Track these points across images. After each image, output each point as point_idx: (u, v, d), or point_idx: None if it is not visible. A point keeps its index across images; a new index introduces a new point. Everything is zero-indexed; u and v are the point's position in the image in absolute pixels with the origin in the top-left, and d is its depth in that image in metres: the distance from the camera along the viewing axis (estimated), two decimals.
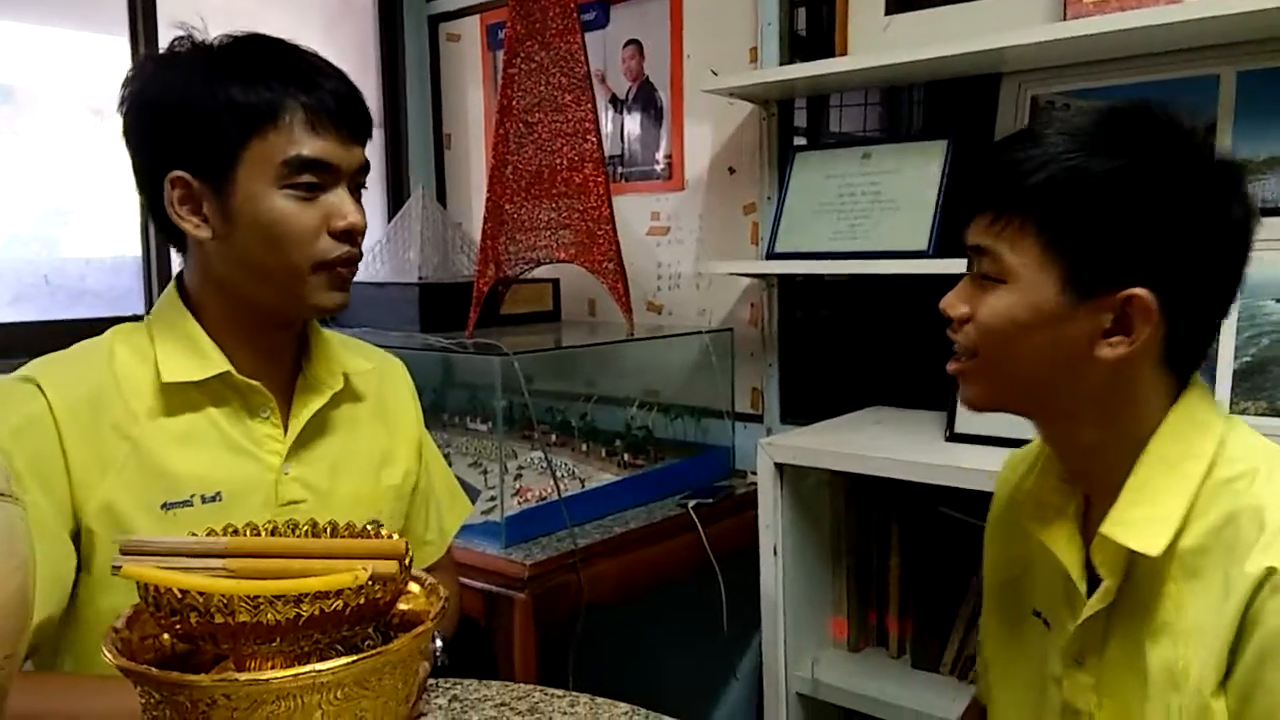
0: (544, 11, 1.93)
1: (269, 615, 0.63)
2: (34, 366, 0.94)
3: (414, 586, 0.78)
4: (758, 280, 1.97)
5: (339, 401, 1.05)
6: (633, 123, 2.17)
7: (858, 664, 1.64)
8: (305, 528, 0.77)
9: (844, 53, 1.74)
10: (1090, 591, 0.81)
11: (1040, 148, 0.76)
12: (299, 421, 1.01)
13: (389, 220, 2.28)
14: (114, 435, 0.93)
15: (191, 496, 0.94)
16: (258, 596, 0.63)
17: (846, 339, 1.89)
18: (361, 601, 0.66)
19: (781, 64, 1.84)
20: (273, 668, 0.66)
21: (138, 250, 2.05)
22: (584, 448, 1.96)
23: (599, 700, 0.97)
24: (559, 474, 1.75)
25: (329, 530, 0.77)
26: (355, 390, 1.08)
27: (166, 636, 0.71)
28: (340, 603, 0.65)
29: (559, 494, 1.65)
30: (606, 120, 2.18)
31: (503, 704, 0.97)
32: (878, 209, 1.70)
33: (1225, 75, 1.44)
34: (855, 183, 1.74)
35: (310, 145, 0.93)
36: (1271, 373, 1.29)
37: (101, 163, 2.02)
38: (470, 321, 1.96)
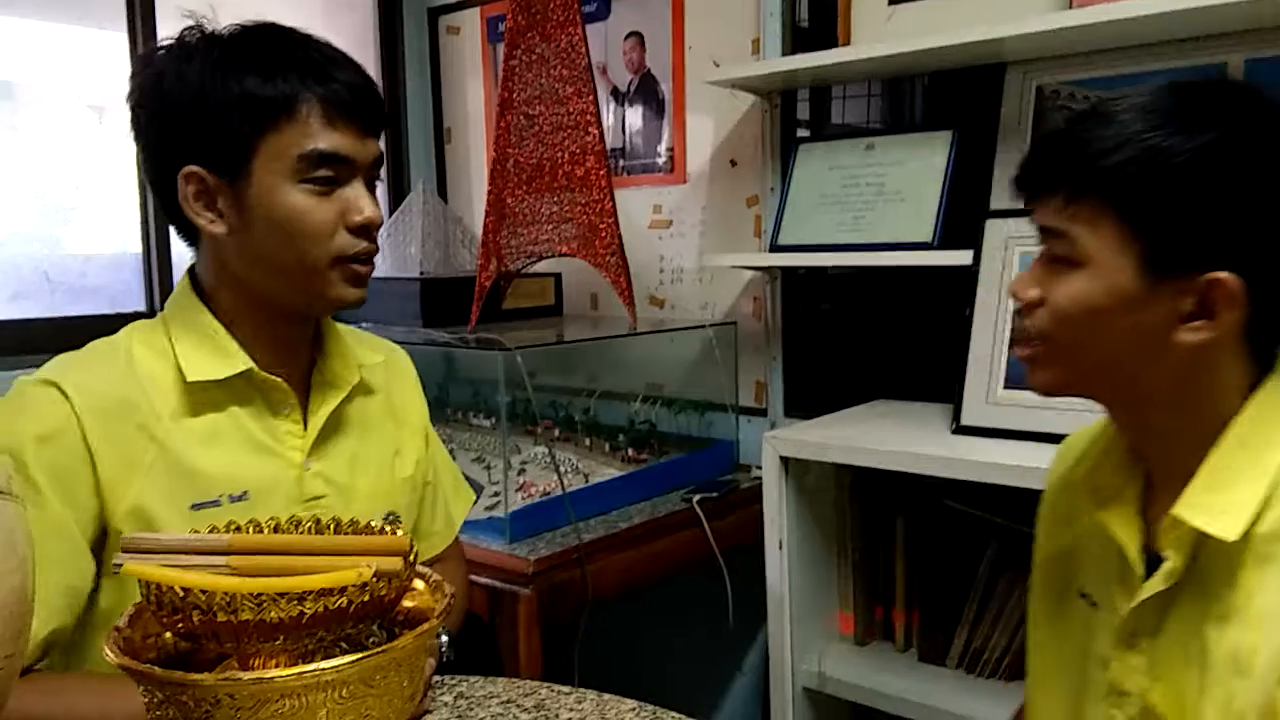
0: (545, 3, 1.92)
1: (272, 613, 0.63)
2: (54, 369, 0.92)
3: (419, 583, 0.77)
4: (761, 273, 1.95)
5: (353, 395, 1.05)
6: (634, 115, 2.16)
7: (864, 658, 1.63)
8: (309, 524, 0.77)
9: (847, 43, 1.72)
10: (1148, 573, 0.79)
11: (1114, 126, 0.73)
12: (319, 418, 1.00)
13: (390, 215, 2.27)
14: (141, 437, 0.91)
15: (220, 496, 0.93)
16: (261, 594, 0.62)
17: (851, 332, 1.88)
18: (365, 599, 0.65)
19: (784, 55, 1.83)
20: (276, 666, 0.65)
21: (138, 246, 2.04)
22: (587, 443, 1.95)
23: (605, 696, 0.96)
24: (563, 469, 1.74)
25: (333, 526, 0.76)
26: (367, 384, 1.07)
27: (169, 635, 0.71)
28: (344, 600, 0.64)
29: (563, 489, 1.64)
30: (608, 113, 2.17)
31: (509, 701, 0.96)
32: (881, 201, 1.69)
33: (1233, 63, 1.43)
34: (859, 174, 1.73)
35: (327, 138, 0.92)
36: None
37: (102, 158, 2.01)
38: (472, 316, 1.95)
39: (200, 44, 0.93)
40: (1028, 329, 0.81)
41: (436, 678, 0.99)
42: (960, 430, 1.47)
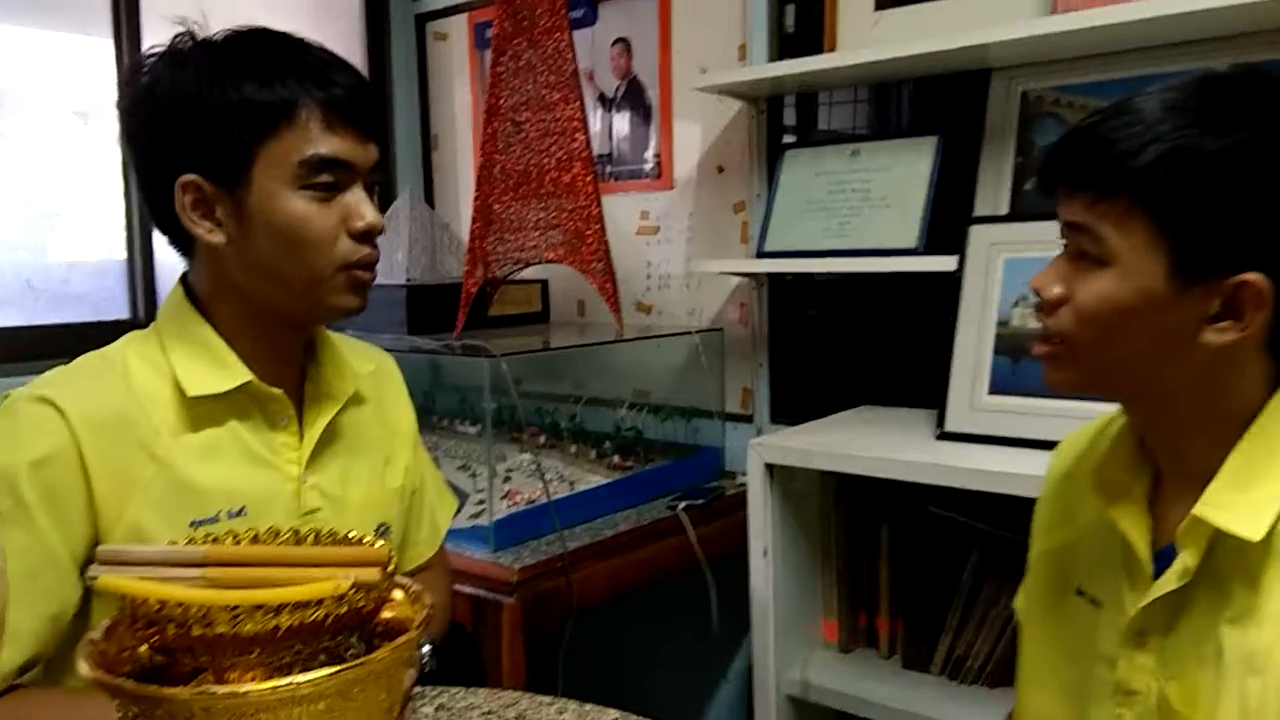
0: (531, 9, 1.92)
1: (248, 626, 0.62)
2: (50, 385, 0.90)
3: (397, 593, 0.76)
4: (747, 279, 1.96)
5: (346, 406, 1.04)
6: (621, 121, 2.16)
7: (848, 665, 1.63)
8: (287, 535, 0.76)
9: (833, 49, 1.73)
10: (1157, 571, 0.79)
11: (1143, 123, 0.72)
12: (315, 429, 0.99)
13: None
14: (140, 455, 0.90)
15: (218, 512, 0.92)
16: (236, 607, 0.62)
17: (837, 337, 1.88)
18: (343, 611, 0.65)
19: (770, 61, 1.83)
20: (253, 679, 0.65)
21: (123, 253, 2.03)
22: (573, 450, 1.95)
23: (587, 706, 0.96)
24: (548, 476, 1.74)
25: (312, 537, 0.76)
26: (359, 393, 1.06)
27: (144, 648, 0.70)
28: (321, 612, 0.64)
29: (548, 497, 1.64)
30: (595, 119, 2.17)
31: (489, 712, 0.96)
32: (867, 207, 1.69)
33: (1217, 69, 1.43)
34: (845, 180, 1.73)
35: (327, 144, 0.90)
36: None
37: (87, 165, 2.00)
38: (458, 323, 1.94)
39: (194, 50, 0.91)
40: (1048, 327, 0.80)
41: (418, 688, 0.98)
42: (944, 436, 1.47)
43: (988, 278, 1.50)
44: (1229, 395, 0.76)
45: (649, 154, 2.11)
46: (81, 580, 0.88)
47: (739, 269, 1.92)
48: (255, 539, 0.75)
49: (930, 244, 1.60)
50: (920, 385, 1.65)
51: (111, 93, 1.99)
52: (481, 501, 1.66)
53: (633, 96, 2.13)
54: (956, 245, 1.54)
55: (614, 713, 0.94)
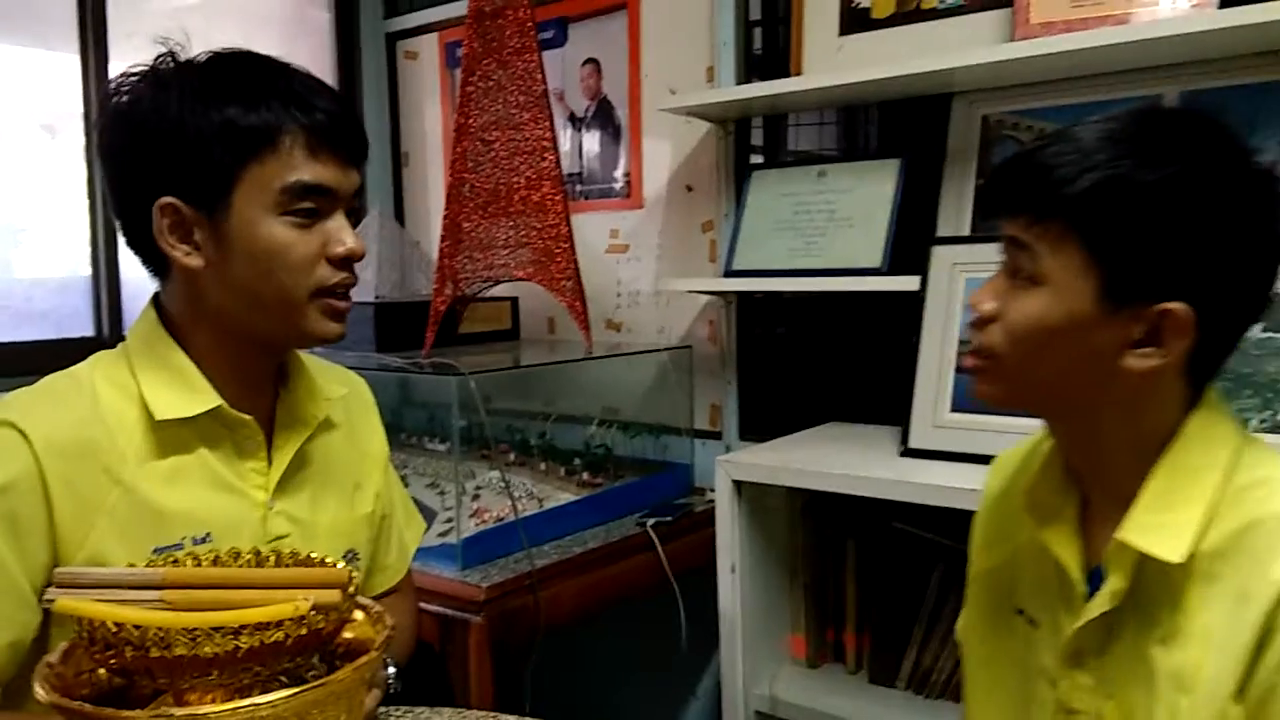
0: (501, 30, 1.93)
1: (207, 648, 0.62)
2: (13, 408, 0.88)
3: (358, 614, 0.77)
4: (716, 298, 1.97)
5: (317, 431, 1.03)
6: (591, 141, 2.17)
7: (815, 680, 1.64)
8: (248, 557, 0.76)
9: (799, 73, 1.76)
10: (1090, 591, 0.81)
11: (1080, 151, 0.74)
12: (284, 455, 0.98)
13: None
14: (104, 479, 0.88)
15: (183, 539, 0.91)
16: (195, 629, 0.62)
17: (804, 355, 1.90)
18: (303, 632, 0.65)
19: (738, 83, 1.85)
20: (212, 701, 0.65)
21: (87, 270, 2.01)
22: (543, 467, 1.95)
23: None
24: (517, 494, 1.74)
25: (273, 559, 0.76)
26: (330, 419, 1.06)
27: (102, 671, 0.70)
28: (281, 634, 0.64)
29: (516, 515, 1.64)
30: (565, 138, 2.18)
31: None
32: (833, 227, 1.72)
33: (1169, 95, 1.47)
34: (811, 201, 1.76)
35: (310, 170, 0.90)
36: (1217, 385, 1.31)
37: (52, 180, 1.99)
38: (427, 341, 1.94)
39: (176, 72, 0.90)
40: (979, 342, 0.82)
41: (383, 708, 0.98)
42: (908, 453, 1.49)
43: (950, 297, 1.52)
44: (1148, 419, 0.79)
45: (619, 173, 2.13)
46: (41, 606, 0.87)
47: (707, 287, 1.93)
48: (216, 561, 0.75)
49: (894, 264, 1.62)
50: (885, 402, 1.68)
51: (78, 107, 1.98)
52: (450, 519, 1.65)
53: (603, 116, 2.15)
54: (920, 265, 1.56)
55: None
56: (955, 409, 1.48)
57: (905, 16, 1.66)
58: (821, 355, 1.88)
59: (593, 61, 2.15)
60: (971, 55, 1.48)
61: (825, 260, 1.70)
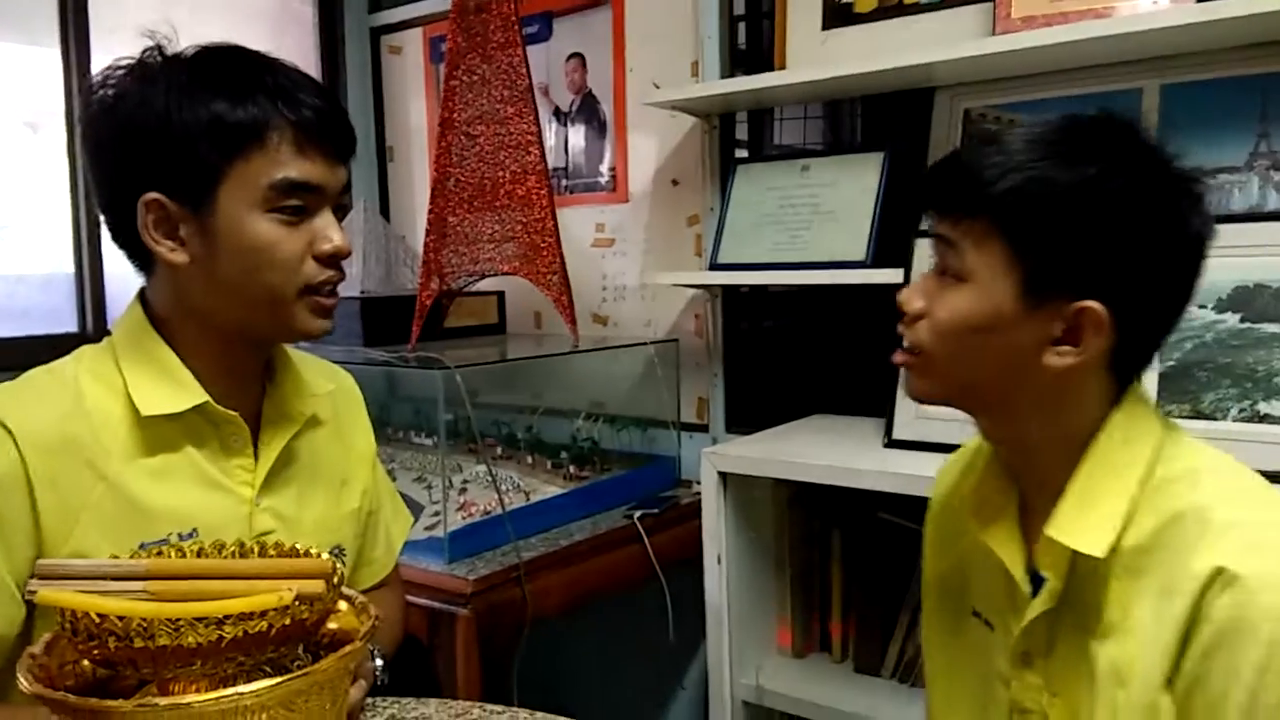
0: (485, 25, 1.93)
1: (190, 638, 0.62)
2: None
3: (343, 605, 0.77)
4: (702, 291, 1.98)
5: (304, 427, 1.02)
6: (576, 135, 2.17)
7: (802, 670, 1.66)
8: (232, 548, 0.76)
9: (783, 67, 1.76)
10: (1034, 591, 0.82)
11: (1005, 154, 0.77)
12: (270, 451, 0.98)
13: None
14: (89, 475, 0.88)
15: (169, 535, 0.90)
16: (178, 619, 0.62)
17: (790, 348, 1.91)
18: (287, 622, 0.65)
19: (722, 77, 1.86)
20: (196, 691, 0.65)
21: (70, 266, 2.01)
22: (530, 460, 1.96)
23: (539, 715, 0.97)
24: (504, 487, 1.74)
25: (256, 550, 0.76)
26: (317, 415, 1.05)
27: (86, 662, 0.70)
28: (264, 624, 0.64)
29: (503, 508, 1.64)
30: (550, 133, 2.18)
31: None
32: (817, 220, 1.72)
33: (1149, 88, 1.49)
34: (795, 195, 1.76)
35: (298, 167, 0.89)
36: (1195, 376, 1.33)
37: (34, 176, 1.98)
38: (413, 335, 1.95)
39: (163, 66, 0.90)
40: (909, 340, 0.84)
41: (369, 700, 0.99)
42: (892, 444, 1.50)
43: None
44: (1072, 416, 0.81)
45: (604, 167, 2.13)
46: (24, 599, 0.87)
47: (693, 281, 1.94)
48: (200, 553, 0.76)
49: (878, 257, 1.63)
50: (870, 394, 1.69)
51: (60, 103, 1.97)
52: (437, 513, 1.66)
53: (588, 111, 2.15)
54: (903, 258, 1.57)
55: None
56: None
57: (888, 11, 1.67)
58: (806, 348, 1.89)
59: (577, 56, 2.15)
60: (953, 50, 1.49)
61: (810, 253, 1.70)
